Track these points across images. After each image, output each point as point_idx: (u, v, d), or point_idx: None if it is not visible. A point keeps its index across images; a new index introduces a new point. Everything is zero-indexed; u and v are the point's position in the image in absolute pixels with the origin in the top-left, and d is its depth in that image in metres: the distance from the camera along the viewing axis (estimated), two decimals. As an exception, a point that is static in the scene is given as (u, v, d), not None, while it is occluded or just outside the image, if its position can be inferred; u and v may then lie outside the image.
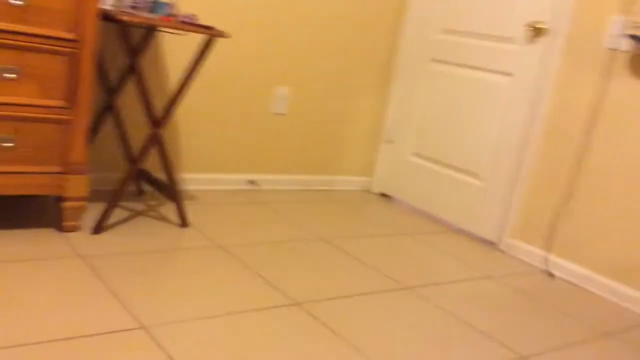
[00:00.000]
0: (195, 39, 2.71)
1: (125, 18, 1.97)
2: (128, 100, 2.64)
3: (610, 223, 2.51)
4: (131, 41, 2.24)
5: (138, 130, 2.70)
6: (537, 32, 2.76)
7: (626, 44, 2.44)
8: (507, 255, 2.84)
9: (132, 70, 2.23)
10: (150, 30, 2.48)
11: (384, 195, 3.55)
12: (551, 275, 2.66)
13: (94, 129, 2.53)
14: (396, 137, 3.46)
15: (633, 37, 2.29)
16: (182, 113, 2.83)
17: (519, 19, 2.83)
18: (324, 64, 3.22)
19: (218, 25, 2.77)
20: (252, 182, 3.14)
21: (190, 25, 2.18)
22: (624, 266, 2.47)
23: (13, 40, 1.83)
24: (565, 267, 2.65)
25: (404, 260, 2.51)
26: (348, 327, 1.81)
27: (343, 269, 2.28)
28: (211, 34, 2.21)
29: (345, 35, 3.24)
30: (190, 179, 2.94)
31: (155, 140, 2.28)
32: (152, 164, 2.72)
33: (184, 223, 2.40)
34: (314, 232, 2.64)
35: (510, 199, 2.87)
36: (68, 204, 2.06)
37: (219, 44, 2.84)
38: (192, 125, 2.88)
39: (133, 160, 2.28)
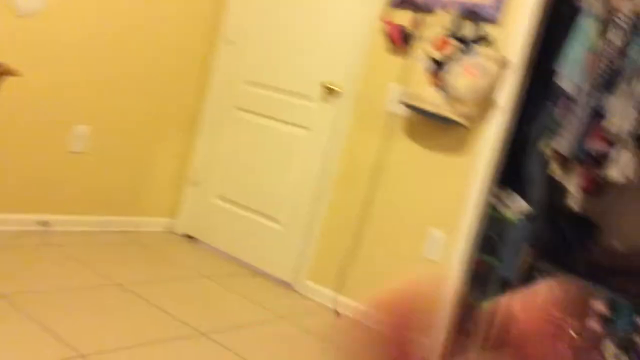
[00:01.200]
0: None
1: None
2: None
3: (388, 264, 2.82)
4: None
5: None
6: (330, 92, 3.05)
7: (401, 109, 2.81)
8: (301, 296, 3.03)
9: None
10: None
11: (188, 236, 3.56)
12: (338, 313, 2.90)
13: None
14: (202, 179, 3.53)
15: (405, 104, 2.66)
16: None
17: (315, 79, 3.11)
18: (128, 105, 3.19)
19: (11, 61, 2.62)
20: (44, 223, 2.96)
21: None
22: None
23: None
24: (351, 306, 2.90)
25: (202, 305, 2.55)
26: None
27: (136, 316, 2.25)
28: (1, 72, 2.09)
29: (151, 78, 3.26)
30: (-30, 220, 2.69)
31: None
32: None
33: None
34: (110, 277, 2.57)
35: (305, 243, 3.08)
36: None
37: (13, 79, 2.67)
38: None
39: None
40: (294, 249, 3.13)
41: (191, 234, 3.55)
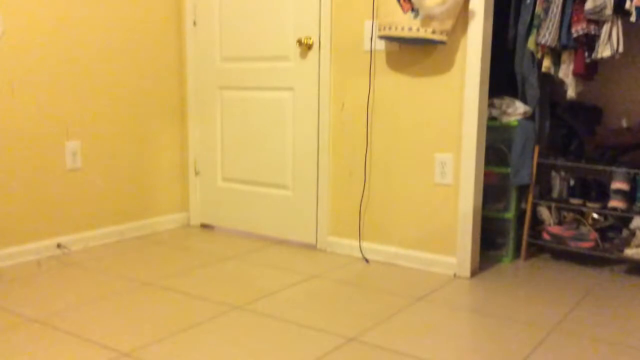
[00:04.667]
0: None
1: None
2: None
3: (402, 199, 2.81)
4: None
5: None
6: (307, 46, 2.99)
7: (379, 44, 2.76)
8: (327, 253, 3.03)
9: None
10: None
11: (204, 225, 3.57)
12: (366, 260, 2.90)
13: None
14: (202, 167, 3.51)
15: (381, 36, 2.61)
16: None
17: (289, 37, 3.06)
18: (113, 111, 3.16)
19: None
20: (58, 245, 2.97)
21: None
22: (420, 236, 2.77)
23: None
24: (377, 249, 2.90)
25: (231, 283, 2.56)
26: (183, 361, 1.81)
27: (169, 307, 2.26)
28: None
29: (129, 78, 3.22)
30: (-12, 258, 2.70)
31: None
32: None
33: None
34: (136, 279, 2.58)
35: (318, 200, 3.07)
36: None
37: (-11, 109, 2.66)
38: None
39: None
40: (308, 210, 3.12)
41: (206, 222, 3.55)
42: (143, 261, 2.86)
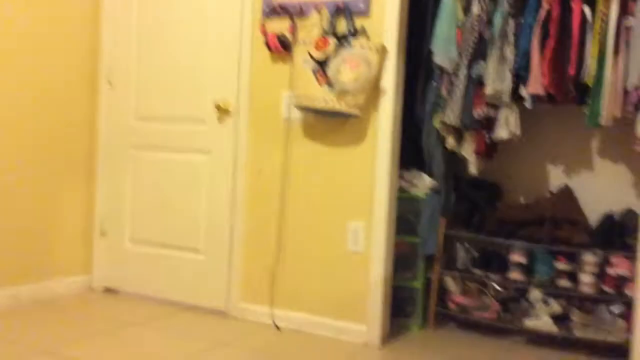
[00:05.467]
0: None
1: None
2: None
3: (316, 265, 2.83)
4: None
5: None
6: (224, 111, 3.03)
7: (296, 114, 2.85)
8: (238, 320, 2.96)
9: None
10: None
11: (108, 289, 3.40)
12: (278, 328, 2.86)
13: None
14: (110, 227, 3.39)
15: (298, 107, 2.69)
16: None
17: (206, 101, 3.08)
18: (14, 162, 3.01)
19: None
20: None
21: None
22: (332, 303, 2.79)
23: None
24: (290, 317, 2.88)
25: (134, 352, 2.43)
26: None
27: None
28: None
29: (38, 133, 3.10)
30: None
31: None
32: None
33: None
34: (34, 346, 2.40)
35: (230, 266, 3.03)
36: None
37: None
38: None
39: None
40: (220, 275, 3.06)
41: (111, 285, 3.39)
42: (40, 326, 2.67)
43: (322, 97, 2.60)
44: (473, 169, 2.84)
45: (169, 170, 3.21)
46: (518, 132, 2.71)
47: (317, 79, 2.62)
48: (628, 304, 2.55)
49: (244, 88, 2.98)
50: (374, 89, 2.66)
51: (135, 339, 2.60)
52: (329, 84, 2.60)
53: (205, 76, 3.09)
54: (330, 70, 2.60)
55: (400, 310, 2.98)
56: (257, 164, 2.97)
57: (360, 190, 2.73)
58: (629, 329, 2.51)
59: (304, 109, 2.72)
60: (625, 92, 2.48)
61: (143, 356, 2.38)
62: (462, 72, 2.75)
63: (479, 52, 2.73)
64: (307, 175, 2.86)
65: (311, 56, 2.66)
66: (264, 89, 2.95)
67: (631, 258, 2.53)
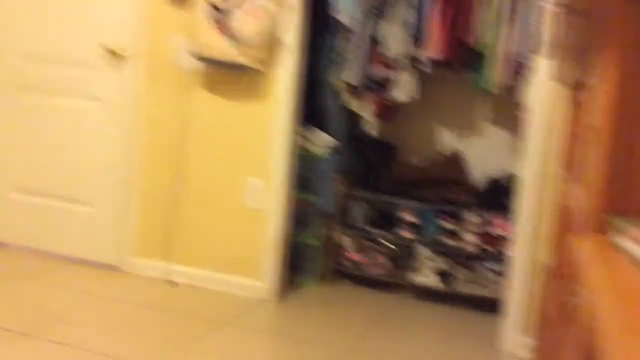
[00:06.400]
0: None
1: None
2: None
3: (212, 221, 2.81)
4: None
5: None
6: (116, 55, 2.87)
7: (193, 62, 2.74)
8: (131, 275, 2.90)
9: None
10: None
11: (-9, 242, 3.20)
12: (174, 283, 2.83)
13: None
14: (-8, 177, 3.16)
15: (195, 56, 2.60)
16: None
17: (96, 44, 2.90)
18: None
19: None
20: None
21: None
22: (230, 259, 2.80)
23: None
24: (186, 272, 2.85)
25: (21, 307, 2.32)
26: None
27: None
28: None
29: None
30: None
31: None
32: None
33: None
34: None
35: (124, 219, 2.94)
36: None
37: None
38: None
39: None
40: (112, 229, 2.96)
41: (-6, 238, 3.20)
42: None
43: (221, 48, 2.53)
44: (371, 130, 2.90)
45: (57, 116, 3.01)
46: (414, 94, 2.79)
47: (215, 27, 2.53)
48: (505, 262, 2.74)
49: (136, 32, 2.83)
50: (274, 43, 2.62)
51: (20, 292, 2.48)
52: (228, 34, 2.53)
53: (95, 17, 2.89)
54: (233, 21, 2.52)
55: (298, 267, 3.04)
56: (153, 113, 2.86)
57: (260, 146, 2.72)
58: (505, 285, 2.71)
59: (204, 60, 2.63)
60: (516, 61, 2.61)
61: (30, 311, 2.28)
62: (364, 32, 2.77)
63: (381, 13, 2.75)
64: (206, 128, 2.80)
65: (210, 3, 2.56)
66: (158, 34, 2.81)
67: (510, 219, 2.71)
